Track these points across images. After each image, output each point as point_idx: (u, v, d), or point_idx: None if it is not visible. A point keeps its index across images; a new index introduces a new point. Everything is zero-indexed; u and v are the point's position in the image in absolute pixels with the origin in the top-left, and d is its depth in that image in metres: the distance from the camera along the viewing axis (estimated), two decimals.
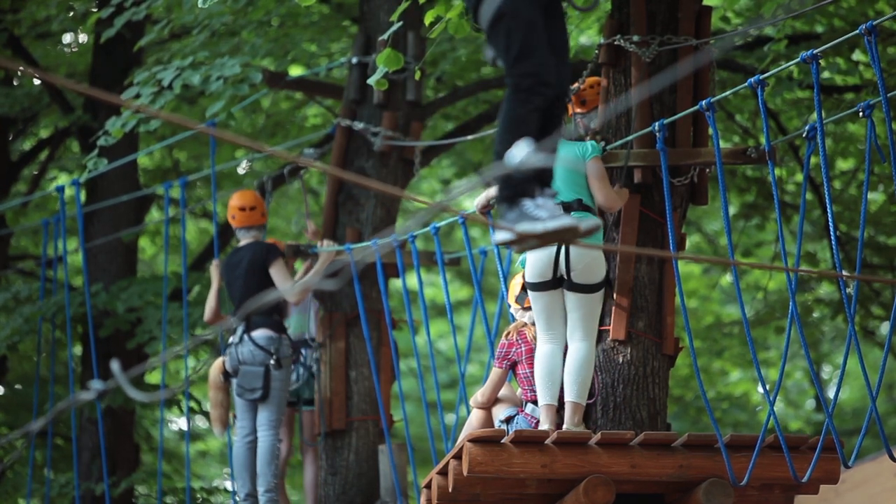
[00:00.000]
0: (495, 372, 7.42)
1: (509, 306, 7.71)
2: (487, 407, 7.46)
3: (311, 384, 9.94)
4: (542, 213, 4.73)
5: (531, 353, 7.31)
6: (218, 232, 11.30)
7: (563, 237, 4.73)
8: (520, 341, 7.36)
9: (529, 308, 7.48)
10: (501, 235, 4.81)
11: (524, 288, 7.47)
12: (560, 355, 7.12)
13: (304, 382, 9.88)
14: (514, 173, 4.79)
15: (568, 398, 7.09)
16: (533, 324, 7.40)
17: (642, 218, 7.49)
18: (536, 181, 4.83)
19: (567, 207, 7.11)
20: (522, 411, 7.34)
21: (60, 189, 11.23)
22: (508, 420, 7.34)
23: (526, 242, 4.80)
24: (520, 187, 4.80)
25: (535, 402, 7.31)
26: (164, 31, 10.98)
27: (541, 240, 4.73)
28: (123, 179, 13.01)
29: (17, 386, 15.08)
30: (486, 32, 5.06)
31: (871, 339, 14.75)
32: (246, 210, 9.48)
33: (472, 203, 8.05)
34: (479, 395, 7.47)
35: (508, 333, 7.44)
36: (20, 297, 12.81)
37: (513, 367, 7.40)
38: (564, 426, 7.06)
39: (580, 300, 7.13)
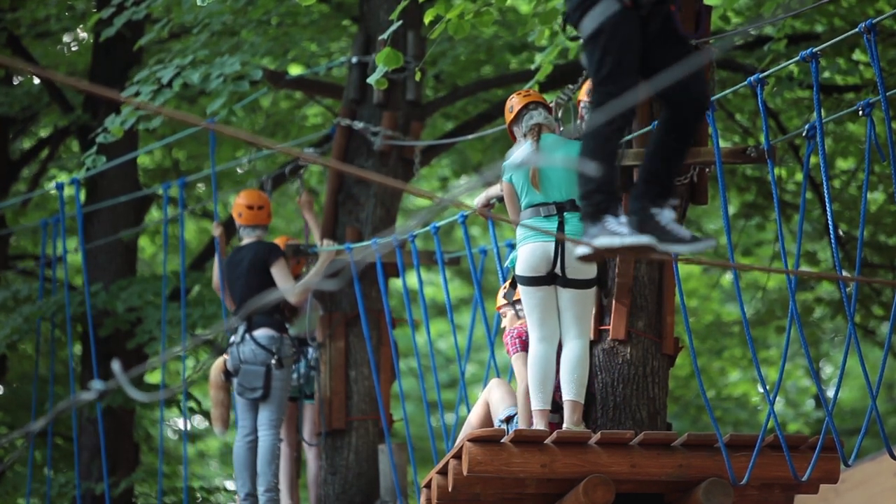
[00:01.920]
0: (521, 356, 7.27)
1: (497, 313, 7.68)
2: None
3: (313, 380, 9.94)
4: (623, 230, 4.92)
5: None
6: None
7: (639, 253, 4.97)
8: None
9: (517, 302, 7.47)
10: (582, 250, 5.03)
11: (513, 284, 7.45)
12: (553, 357, 7.10)
13: (306, 379, 9.88)
14: (598, 189, 4.98)
15: (566, 397, 7.07)
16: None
17: None
18: (620, 200, 5.02)
19: (560, 208, 7.12)
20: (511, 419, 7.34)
21: (60, 186, 11.22)
22: (508, 420, 7.33)
23: (603, 257, 5.09)
24: (603, 204, 4.98)
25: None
26: (164, 30, 10.98)
27: (618, 254, 4.96)
28: (123, 179, 13.01)
29: (15, 385, 15.08)
30: (583, 43, 5.20)
31: (871, 339, 14.75)
32: (253, 209, 9.49)
33: (473, 202, 8.05)
34: (519, 386, 7.31)
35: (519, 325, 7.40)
36: (20, 296, 12.81)
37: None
38: (564, 425, 7.05)
39: (574, 297, 7.11)
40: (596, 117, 5.07)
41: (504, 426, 7.27)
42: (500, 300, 7.67)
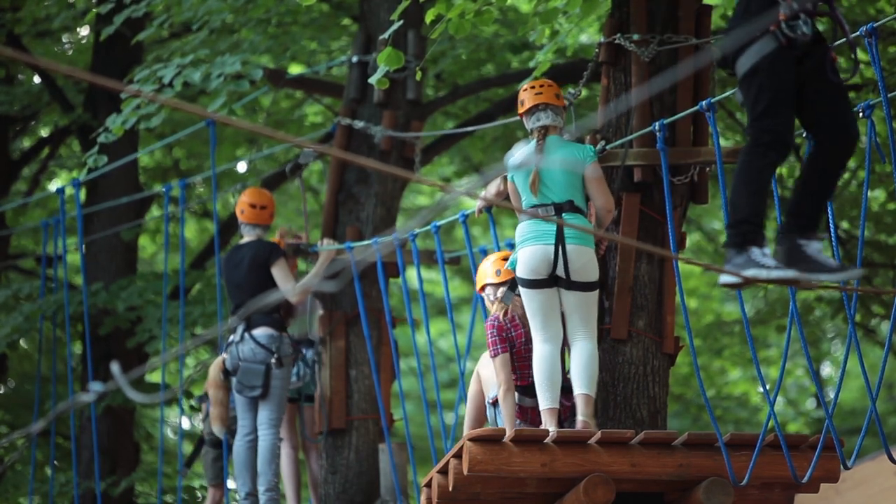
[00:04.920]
0: (503, 359, 7.29)
1: (482, 296, 7.66)
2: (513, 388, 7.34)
3: (314, 381, 9.94)
4: (769, 262, 5.16)
5: (522, 337, 7.31)
6: (219, 230, 11.30)
7: (785, 284, 5.23)
8: (510, 327, 7.33)
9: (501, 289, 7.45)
10: (728, 279, 5.22)
11: (512, 287, 7.43)
12: (559, 356, 7.12)
13: (308, 379, 9.88)
14: (747, 220, 5.21)
15: (579, 391, 7.06)
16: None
17: (642, 217, 7.50)
18: (764, 233, 5.24)
19: (559, 208, 7.12)
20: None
21: (61, 191, 11.23)
22: (495, 402, 7.33)
23: (750, 286, 5.30)
24: (750, 235, 5.20)
25: (521, 390, 7.32)
26: (164, 26, 10.97)
27: (765, 284, 5.22)
28: (124, 178, 13.02)
29: (12, 381, 15.08)
30: (738, 81, 5.39)
31: (872, 338, 14.75)
32: (256, 208, 9.48)
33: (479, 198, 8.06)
34: (500, 389, 7.32)
35: (506, 313, 7.37)
36: (20, 295, 12.82)
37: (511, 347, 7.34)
38: (579, 418, 7.04)
39: (579, 299, 7.12)
40: (749, 152, 5.27)
41: (492, 408, 7.31)
42: (486, 279, 7.60)
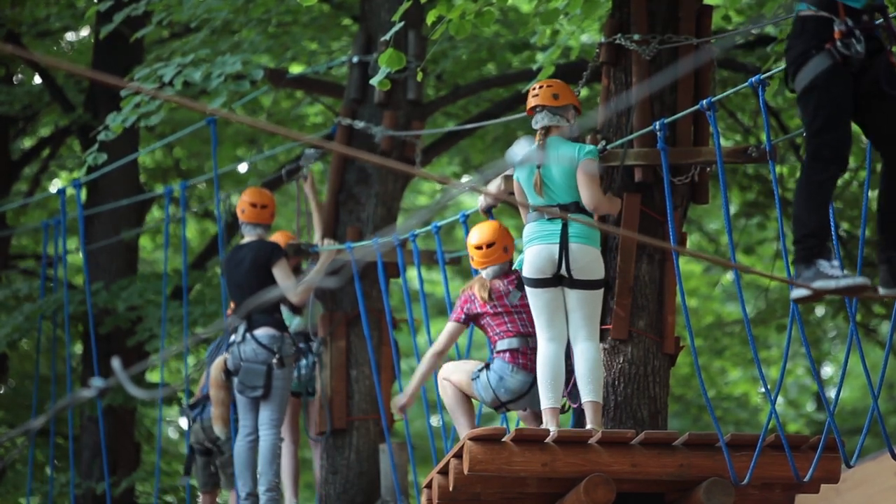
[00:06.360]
0: (453, 326, 7.54)
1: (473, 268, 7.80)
2: (443, 353, 7.62)
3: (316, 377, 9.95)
4: (837, 272, 5.31)
5: (484, 307, 7.45)
6: (222, 229, 11.30)
7: (856, 293, 5.37)
8: (474, 298, 7.49)
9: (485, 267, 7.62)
10: (799, 292, 5.38)
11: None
12: (563, 356, 7.13)
13: (310, 376, 9.89)
14: (812, 234, 5.37)
15: (588, 398, 7.07)
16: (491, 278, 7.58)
17: (643, 217, 7.49)
18: (832, 245, 5.41)
19: (563, 209, 7.13)
20: (488, 367, 7.39)
21: (62, 192, 11.23)
22: (476, 377, 7.45)
23: (821, 298, 5.48)
24: (816, 249, 5.35)
25: (508, 337, 7.42)
26: (163, 23, 10.96)
27: (835, 294, 5.36)
28: (124, 179, 13.01)
29: (12, 381, 15.08)
30: (797, 98, 5.55)
31: (872, 338, 14.73)
32: (257, 207, 9.48)
33: (476, 202, 8.07)
34: (436, 346, 7.59)
35: (470, 288, 7.58)
36: (20, 295, 12.82)
37: (473, 320, 7.52)
38: (588, 426, 7.04)
39: (583, 298, 7.13)
40: (810, 167, 5.39)
41: (480, 373, 7.41)
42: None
